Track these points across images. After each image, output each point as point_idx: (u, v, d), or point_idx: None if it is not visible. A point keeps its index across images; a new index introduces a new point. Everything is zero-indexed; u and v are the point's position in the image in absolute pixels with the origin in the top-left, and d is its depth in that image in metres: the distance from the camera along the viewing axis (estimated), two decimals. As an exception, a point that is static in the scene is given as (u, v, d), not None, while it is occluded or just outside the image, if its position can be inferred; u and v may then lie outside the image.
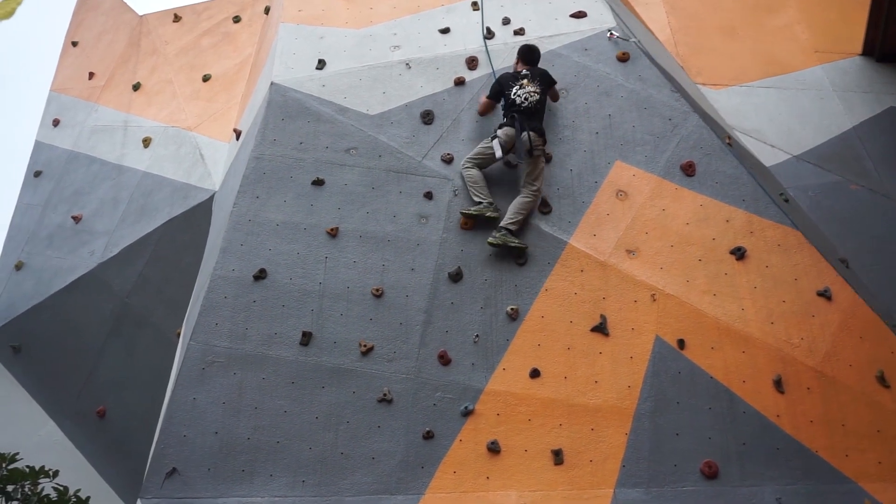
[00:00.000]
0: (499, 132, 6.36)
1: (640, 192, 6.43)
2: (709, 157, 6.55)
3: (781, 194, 6.78)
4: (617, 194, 6.42)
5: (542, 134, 6.34)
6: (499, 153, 6.27)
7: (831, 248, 6.60)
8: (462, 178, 6.45)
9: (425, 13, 7.58)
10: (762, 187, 6.39)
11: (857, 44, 8.52)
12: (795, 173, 7.38)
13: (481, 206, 6.22)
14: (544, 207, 6.32)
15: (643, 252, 6.17)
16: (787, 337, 5.83)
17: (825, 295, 6.01)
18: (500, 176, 6.53)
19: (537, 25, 7.40)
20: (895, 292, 6.59)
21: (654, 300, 5.96)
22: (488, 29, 7.35)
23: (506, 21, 7.45)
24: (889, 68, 8.40)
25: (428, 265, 6.10)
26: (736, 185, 6.43)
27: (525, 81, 6.48)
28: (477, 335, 5.84)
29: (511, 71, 6.78)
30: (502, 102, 6.58)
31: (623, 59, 7.07)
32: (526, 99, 6.37)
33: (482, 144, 6.45)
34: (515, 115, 6.32)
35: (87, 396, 7.86)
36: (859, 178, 7.40)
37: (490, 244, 6.08)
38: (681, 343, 5.78)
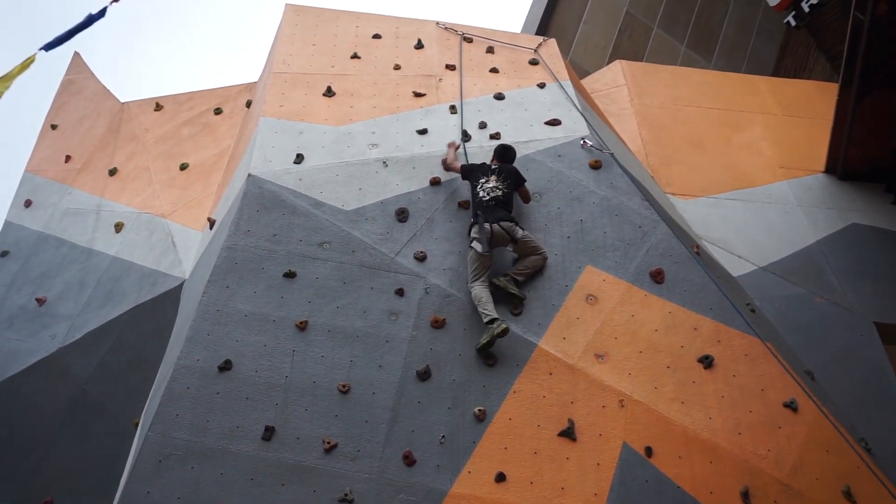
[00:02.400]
0: (472, 233, 6.47)
1: (610, 298, 6.48)
2: (677, 265, 6.66)
3: (748, 304, 6.87)
4: (587, 298, 6.47)
5: (512, 220, 6.50)
6: (484, 248, 6.29)
7: (797, 360, 6.66)
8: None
9: (404, 114, 7.76)
10: (728, 298, 6.47)
11: (821, 162, 8.85)
12: (761, 284, 7.51)
13: (493, 327, 6.00)
14: (515, 309, 6.34)
15: (612, 357, 6.18)
16: (754, 448, 5.80)
17: (791, 406, 6.03)
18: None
19: (513, 131, 7.59)
20: (860, 406, 6.64)
21: (623, 406, 5.93)
22: (465, 132, 7.52)
23: (482, 125, 7.64)
24: (851, 186, 8.71)
25: (396, 362, 6.04)
26: (704, 294, 6.51)
27: (493, 177, 6.67)
28: (443, 436, 5.75)
29: (486, 163, 6.96)
30: (469, 191, 6.80)
31: (595, 166, 7.25)
32: (488, 194, 6.55)
33: (469, 259, 6.46)
34: (479, 213, 6.49)
35: (35, 486, 7.53)
36: (823, 291, 7.54)
37: (492, 283, 6.31)
38: (648, 451, 5.73)
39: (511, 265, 6.59)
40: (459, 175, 7.00)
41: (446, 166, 7.15)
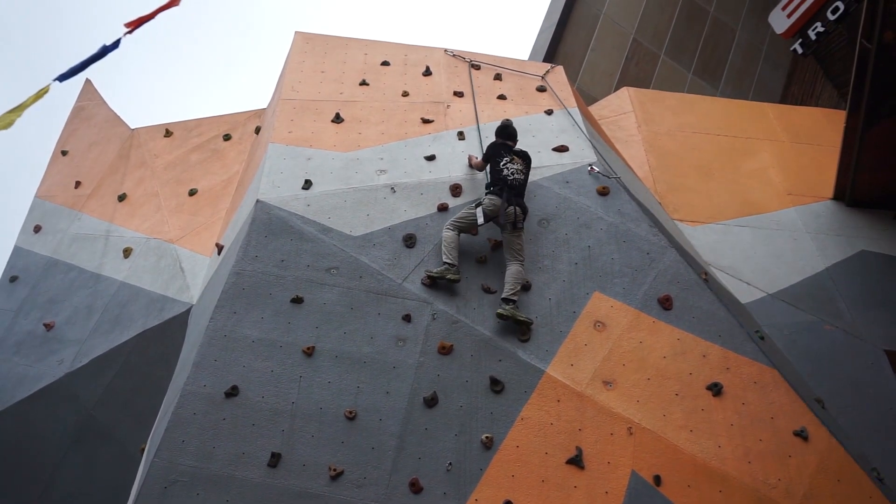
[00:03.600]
0: (484, 200, 6.72)
1: (618, 324, 6.46)
2: (686, 291, 6.63)
3: (757, 332, 6.83)
4: (595, 325, 6.45)
5: (525, 210, 6.74)
6: (480, 220, 6.64)
7: (807, 388, 6.61)
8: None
9: (412, 140, 7.79)
10: (740, 323, 6.44)
11: (829, 188, 8.83)
12: (770, 311, 7.47)
13: (444, 268, 6.50)
14: (522, 335, 6.32)
15: (620, 384, 6.14)
16: (764, 477, 5.75)
17: (802, 435, 5.98)
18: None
19: (520, 157, 7.60)
20: (870, 435, 6.57)
21: (631, 434, 5.88)
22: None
23: (490, 151, 7.66)
24: (859, 213, 8.68)
25: (403, 389, 6.01)
26: (712, 321, 6.48)
27: (517, 159, 6.97)
28: (450, 463, 5.71)
29: (504, 142, 7.20)
30: (488, 168, 7.07)
31: (603, 192, 7.25)
32: (513, 174, 6.82)
33: (466, 210, 6.81)
34: (505, 189, 6.71)
35: (41, 511, 7.53)
36: (833, 318, 7.50)
37: (499, 316, 6.29)
38: (657, 479, 5.67)
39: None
40: (466, 205, 7.08)
41: (473, 166, 7.43)
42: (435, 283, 6.53)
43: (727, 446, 5.88)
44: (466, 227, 6.75)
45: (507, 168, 6.87)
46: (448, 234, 6.68)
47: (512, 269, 6.54)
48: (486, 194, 6.82)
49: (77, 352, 7.80)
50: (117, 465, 7.22)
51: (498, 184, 6.80)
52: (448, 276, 6.46)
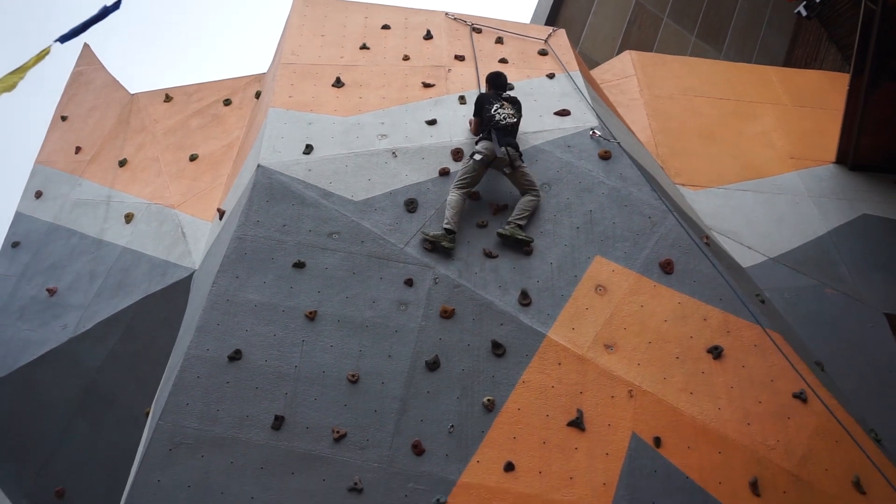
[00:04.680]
0: (478, 146, 6.85)
1: (619, 288, 6.47)
2: (687, 255, 6.64)
3: (758, 295, 6.85)
4: (596, 289, 6.47)
5: (517, 148, 6.88)
6: (480, 157, 6.76)
7: (807, 351, 6.64)
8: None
9: (413, 104, 7.75)
10: (734, 290, 6.45)
11: (831, 152, 8.80)
12: (771, 275, 7.48)
13: (441, 234, 6.55)
14: (524, 299, 6.34)
15: (621, 347, 6.17)
16: (763, 438, 5.80)
17: (801, 397, 6.02)
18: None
19: (522, 121, 7.56)
20: (870, 397, 6.62)
21: (632, 396, 5.93)
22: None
23: (491, 115, 7.61)
24: (861, 177, 8.66)
25: (405, 352, 6.05)
26: (713, 285, 6.50)
27: (507, 105, 7.08)
28: (452, 426, 5.76)
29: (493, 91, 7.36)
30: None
31: (605, 156, 7.23)
32: (504, 118, 6.95)
33: (463, 165, 6.88)
34: (493, 131, 6.84)
35: (47, 475, 7.58)
36: (834, 282, 7.51)
37: (499, 235, 6.57)
38: (657, 441, 5.73)
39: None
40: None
41: (472, 130, 7.44)
42: (436, 247, 6.55)
43: (727, 408, 5.93)
44: (473, 181, 6.78)
45: (498, 113, 6.99)
46: (454, 198, 6.68)
47: (524, 198, 6.76)
48: (478, 141, 6.92)
49: (80, 316, 7.82)
50: (122, 428, 7.27)
51: (489, 127, 6.90)
52: (443, 244, 6.50)
